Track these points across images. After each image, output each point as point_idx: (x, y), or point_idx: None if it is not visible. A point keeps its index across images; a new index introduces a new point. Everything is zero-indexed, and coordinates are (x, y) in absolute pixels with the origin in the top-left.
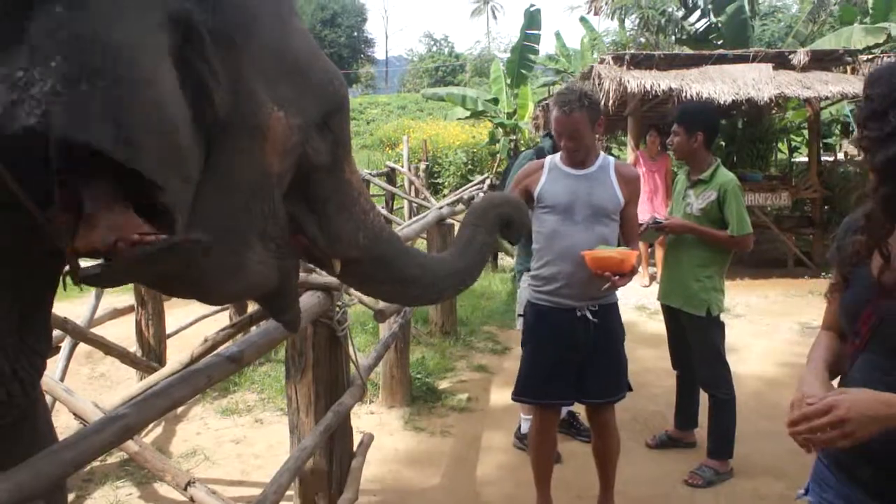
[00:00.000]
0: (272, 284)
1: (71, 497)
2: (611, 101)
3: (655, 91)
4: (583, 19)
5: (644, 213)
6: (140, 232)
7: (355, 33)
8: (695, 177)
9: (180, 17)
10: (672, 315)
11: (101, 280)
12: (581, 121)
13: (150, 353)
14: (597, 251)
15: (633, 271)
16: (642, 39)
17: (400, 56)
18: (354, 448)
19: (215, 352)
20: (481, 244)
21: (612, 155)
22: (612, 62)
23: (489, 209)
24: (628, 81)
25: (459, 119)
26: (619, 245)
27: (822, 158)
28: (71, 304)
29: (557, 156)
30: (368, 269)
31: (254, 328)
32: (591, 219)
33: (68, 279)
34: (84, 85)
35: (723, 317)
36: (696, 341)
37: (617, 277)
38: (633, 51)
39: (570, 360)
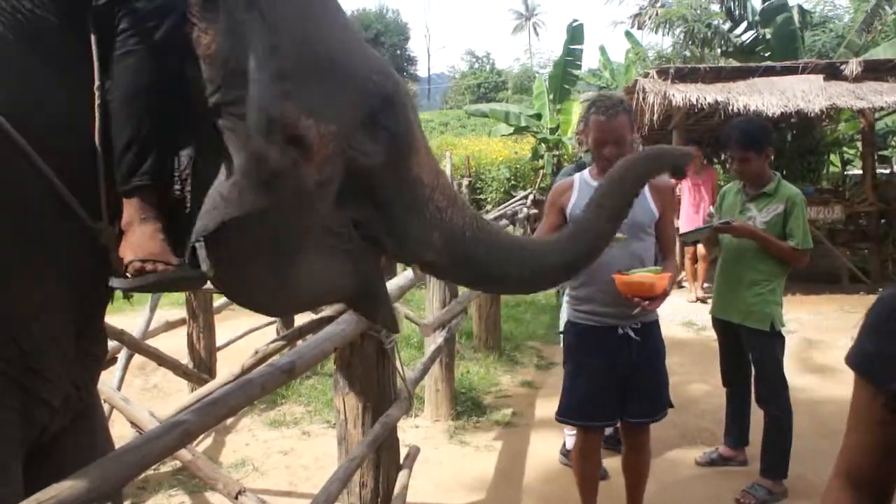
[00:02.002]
0: (347, 290)
1: (127, 503)
2: (655, 116)
3: (701, 104)
4: (628, 34)
5: (690, 227)
6: (150, 258)
7: (398, 52)
8: (755, 190)
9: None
10: (727, 330)
11: (127, 291)
12: (625, 125)
13: (201, 365)
14: (627, 276)
15: (665, 294)
16: (687, 53)
17: (442, 73)
18: (401, 461)
19: (267, 363)
20: (598, 232)
21: None
22: (656, 76)
23: (623, 178)
24: (673, 95)
25: (503, 135)
26: (655, 262)
27: (878, 171)
28: (126, 317)
29: (587, 172)
30: (451, 270)
31: (300, 341)
32: (626, 235)
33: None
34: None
35: None
36: (758, 356)
37: (647, 302)
38: (678, 64)
39: (613, 380)
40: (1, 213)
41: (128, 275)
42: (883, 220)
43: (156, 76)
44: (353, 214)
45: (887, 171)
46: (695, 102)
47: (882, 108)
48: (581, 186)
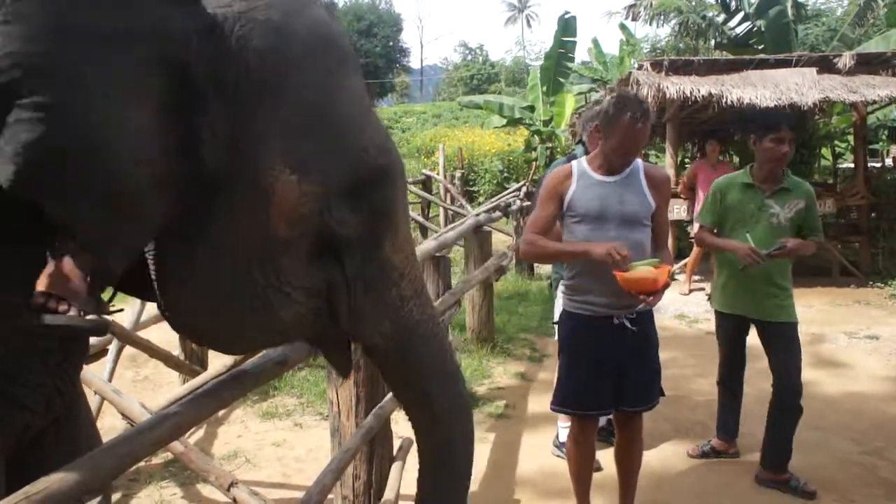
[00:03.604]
0: (298, 336)
1: (117, 496)
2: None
3: (695, 96)
4: (622, 25)
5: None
6: (59, 296)
7: (391, 43)
8: (774, 185)
9: (174, 62)
10: (740, 325)
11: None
12: (647, 132)
13: (193, 357)
14: (629, 273)
15: (666, 287)
16: (681, 45)
17: (435, 65)
18: (394, 453)
19: (259, 354)
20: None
21: (650, 161)
22: (650, 68)
23: None
24: (667, 87)
25: (496, 127)
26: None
27: (869, 164)
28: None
29: (584, 160)
30: (390, 362)
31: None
32: (622, 227)
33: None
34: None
35: None
36: (790, 349)
37: (651, 297)
38: (672, 56)
39: (608, 369)
40: None
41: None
42: (873, 214)
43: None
44: (324, 276)
45: (878, 165)
46: (689, 95)
47: (874, 102)
48: (580, 176)
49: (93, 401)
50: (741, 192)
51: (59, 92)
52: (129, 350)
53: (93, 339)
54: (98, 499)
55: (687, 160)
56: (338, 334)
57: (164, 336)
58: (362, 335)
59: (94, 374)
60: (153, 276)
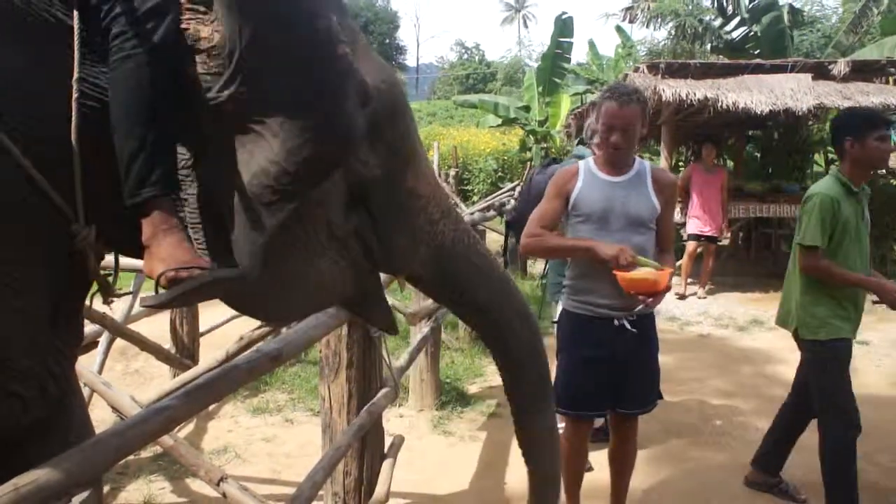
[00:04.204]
0: (347, 296)
1: (106, 489)
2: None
3: (691, 100)
4: (618, 28)
5: (695, 225)
6: (183, 266)
7: (387, 41)
8: (858, 187)
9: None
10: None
11: (161, 307)
12: (636, 115)
13: (184, 351)
14: (630, 274)
15: (667, 289)
16: (678, 48)
17: (430, 63)
18: (385, 450)
19: (253, 348)
20: None
21: None
22: (646, 70)
23: None
24: (663, 90)
25: (491, 127)
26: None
27: None
28: None
29: (591, 160)
30: (433, 285)
31: (286, 328)
32: (626, 229)
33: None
34: None
35: (757, 330)
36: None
37: (650, 299)
38: (668, 59)
39: (607, 371)
40: None
41: (160, 289)
42: None
43: (158, 81)
44: (353, 222)
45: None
46: (684, 98)
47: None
48: (586, 175)
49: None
50: (847, 200)
51: None
52: (119, 343)
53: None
54: (87, 492)
55: (681, 164)
56: (376, 288)
57: (155, 329)
58: (401, 266)
59: (84, 366)
60: (198, 247)
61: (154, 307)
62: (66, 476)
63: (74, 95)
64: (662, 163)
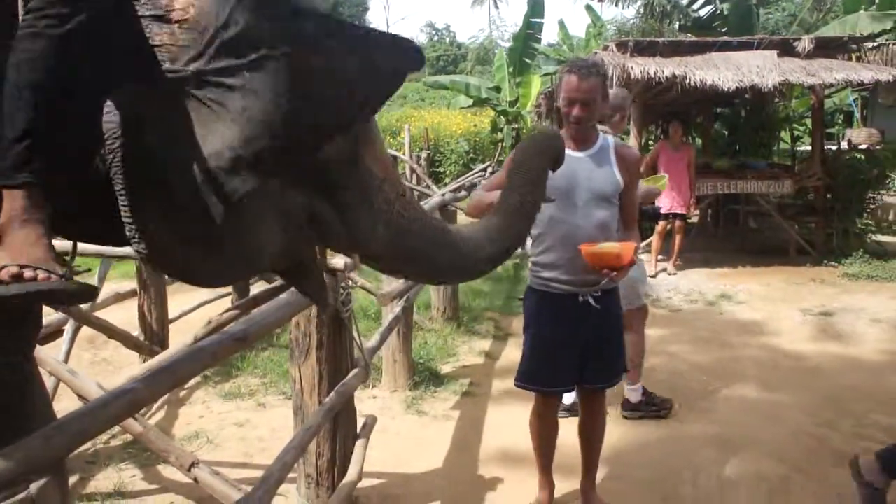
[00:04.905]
0: (280, 264)
1: (75, 479)
2: (614, 88)
3: (659, 78)
4: (588, 7)
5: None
6: (27, 265)
7: (357, 23)
8: None
9: None
10: None
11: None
12: (596, 88)
13: (153, 338)
14: (594, 247)
15: (631, 263)
16: (646, 27)
17: None
18: (358, 430)
19: (221, 331)
20: (533, 207)
21: None
22: (615, 49)
23: (536, 158)
24: (632, 68)
25: (462, 108)
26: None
27: (826, 147)
28: None
29: None
30: (393, 262)
31: (256, 310)
32: (590, 204)
33: None
34: None
35: (725, 304)
36: None
37: (614, 273)
38: (636, 38)
39: (572, 346)
40: None
41: None
42: (829, 195)
43: (67, 63)
44: (307, 197)
45: (834, 148)
46: (653, 76)
47: (832, 85)
48: None
49: (47, 382)
50: None
51: None
52: (87, 331)
53: (48, 319)
54: (45, 480)
55: (651, 142)
56: (311, 260)
57: (124, 316)
58: (360, 246)
59: (48, 354)
60: (124, 213)
61: None
62: (22, 463)
63: None
64: (632, 141)
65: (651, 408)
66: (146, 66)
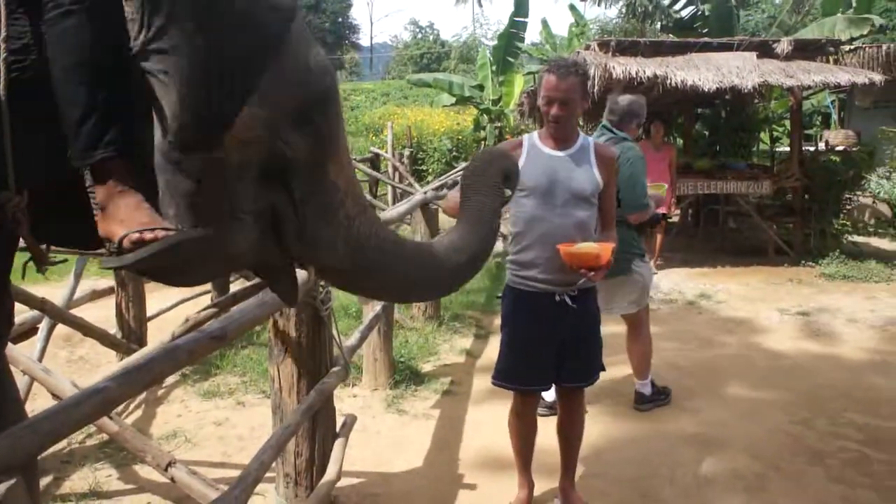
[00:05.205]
0: (249, 264)
1: (49, 479)
2: (596, 88)
3: (640, 77)
4: (572, 7)
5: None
6: (143, 228)
7: (340, 19)
8: None
9: None
10: None
11: (124, 268)
12: (575, 87)
13: (131, 335)
14: (572, 247)
15: (609, 264)
16: (628, 27)
17: (385, 43)
18: (337, 429)
19: (197, 330)
20: (492, 213)
21: None
22: (597, 48)
23: (487, 168)
24: (613, 68)
25: (445, 106)
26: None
27: (804, 148)
28: (49, 286)
29: (535, 134)
30: (350, 277)
31: (235, 308)
32: (570, 203)
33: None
34: None
35: (704, 303)
36: None
37: (592, 273)
38: (619, 37)
39: (549, 345)
40: None
41: (115, 251)
42: (807, 196)
43: (102, 34)
44: (272, 200)
45: (812, 149)
46: (634, 76)
47: (810, 87)
48: (530, 149)
49: (21, 382)
50: None
51: None
52: (63, 329)
53: (21, 317)
54: (14, 480)
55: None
56: (281, 260)
57: (101, 314)
58: (317, 259)
59: (22, 353)
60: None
61: (118, 268)
62: None
63: (2, 56)
64: None
65: (661, 397)
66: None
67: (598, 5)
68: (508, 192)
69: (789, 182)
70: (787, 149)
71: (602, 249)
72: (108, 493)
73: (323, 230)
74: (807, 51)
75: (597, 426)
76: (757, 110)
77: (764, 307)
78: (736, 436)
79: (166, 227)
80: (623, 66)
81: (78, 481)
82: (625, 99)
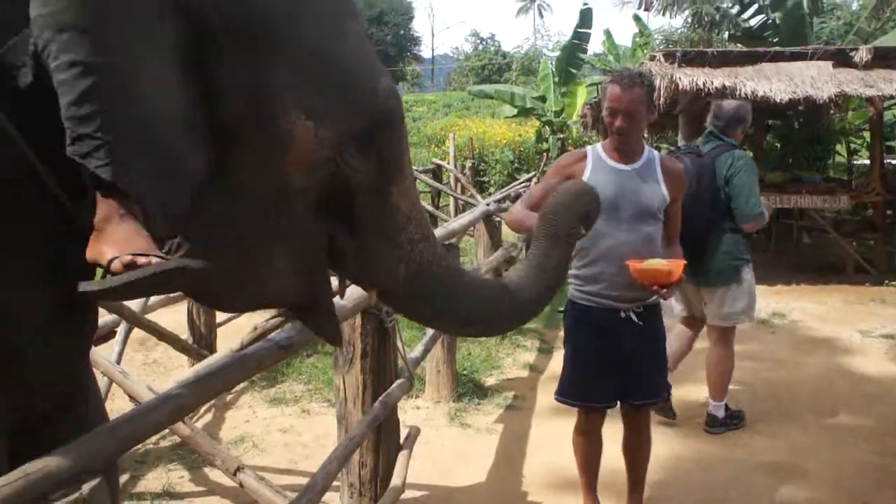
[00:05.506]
0: (298, 297)
1: (125, 477)
2: (661, 100)
3: (708, 89)
4: (635, 17)
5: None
6: (137, 253)
7: (402, 31)
8: None
9: (189, 6)
10: None
11: (100, 296)
12: (640, 98)
13: (202, 341)
14: (642, 264)
15: (680, 280)
16: (694, 36)
17: (446, 55)
18: (401, 441)
19: (266, 338)
20: (558, 261)
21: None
22: (662, 59)
23: (570, 206)
24: (679, 79)
25: (507, 117)
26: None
27: (885, 161)
28: None
29: (599, 146)
30: (410, 303)
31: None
32: (636, 218)
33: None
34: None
35: (778, 322)
36: None
37: (665, 290)
38: (684, 48)
39: (614, 362)
40: None
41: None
42: (889, 211)
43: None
44: (329, 227)
45: (894, 162)
46: (701, 87)
47: (891, 97)
48: (595, 161)
49: (100, 383)
50: None
51: (91, 49)
52: (139, 333)
53: (101, 321)
54: (97, 479)
55: None
56: (326, 295)
57: (174, 319)
58: (377, 282)
59: (101, 355)
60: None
61: (97, 294)
62: (75, 463)
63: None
64: None
65: (734, 421)
66: None
67: (663, 15)
68: (584, 231)
69: (870, 196)
70: (867, 162)
71: (673, 266)
72: (179, 493)
73: (383, 252)
74: (888, 59)
75: (665, 448)
76: (833, 121)
77: (844, 328)
78: (815, 465)
79: (161, 255)
80: (690, 77)
81: (152, 481)
82: (730, 104)
